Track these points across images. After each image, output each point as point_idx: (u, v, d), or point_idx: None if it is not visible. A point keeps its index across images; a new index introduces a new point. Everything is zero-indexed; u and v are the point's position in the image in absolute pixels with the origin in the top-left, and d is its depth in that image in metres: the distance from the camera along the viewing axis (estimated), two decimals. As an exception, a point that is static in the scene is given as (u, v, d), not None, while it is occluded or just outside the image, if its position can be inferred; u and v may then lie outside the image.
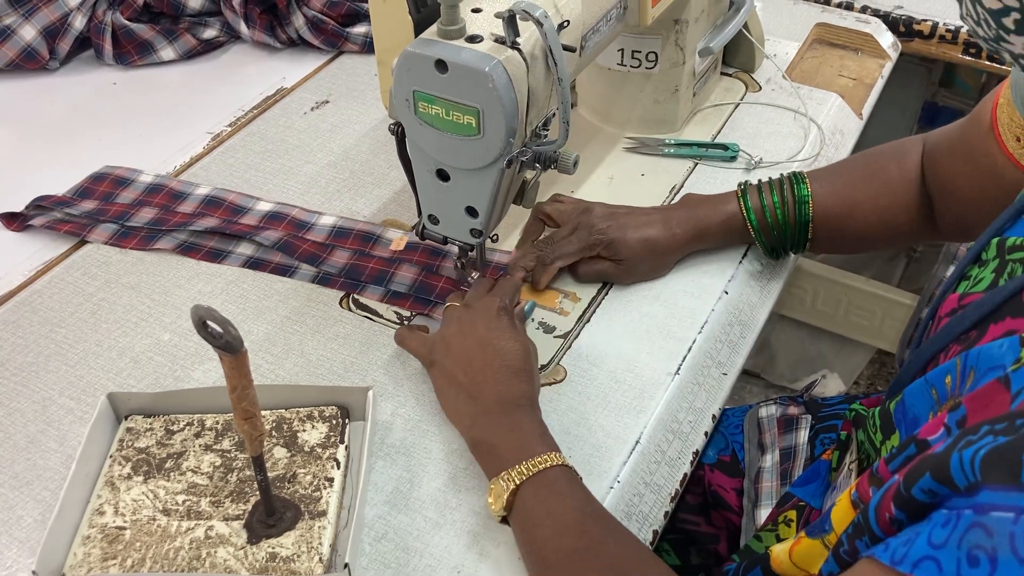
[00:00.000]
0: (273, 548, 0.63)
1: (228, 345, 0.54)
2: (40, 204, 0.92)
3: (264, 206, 0.92)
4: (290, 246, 0.86)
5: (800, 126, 1.03)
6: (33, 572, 0.59)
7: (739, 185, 0.84)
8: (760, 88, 1.09)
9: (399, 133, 0.75)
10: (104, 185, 0.95)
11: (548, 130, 0.74)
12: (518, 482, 0.62)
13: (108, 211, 0.91)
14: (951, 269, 0.66)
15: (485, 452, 0.67)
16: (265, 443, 0.69)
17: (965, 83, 1.42)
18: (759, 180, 0.84)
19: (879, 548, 0.43)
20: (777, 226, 0.83)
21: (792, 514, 0.74)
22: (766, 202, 0.82)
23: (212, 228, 0.88)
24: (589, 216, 0.83)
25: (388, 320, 0.82)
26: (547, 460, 0.63)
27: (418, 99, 0.69)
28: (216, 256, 0.87)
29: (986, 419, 0.43)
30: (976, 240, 0.61)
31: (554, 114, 0.74)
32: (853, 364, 1.80)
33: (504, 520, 0.63)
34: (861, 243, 0.86)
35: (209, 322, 0.53)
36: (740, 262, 0.87)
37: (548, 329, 0.81)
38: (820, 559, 0.55)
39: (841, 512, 0.52)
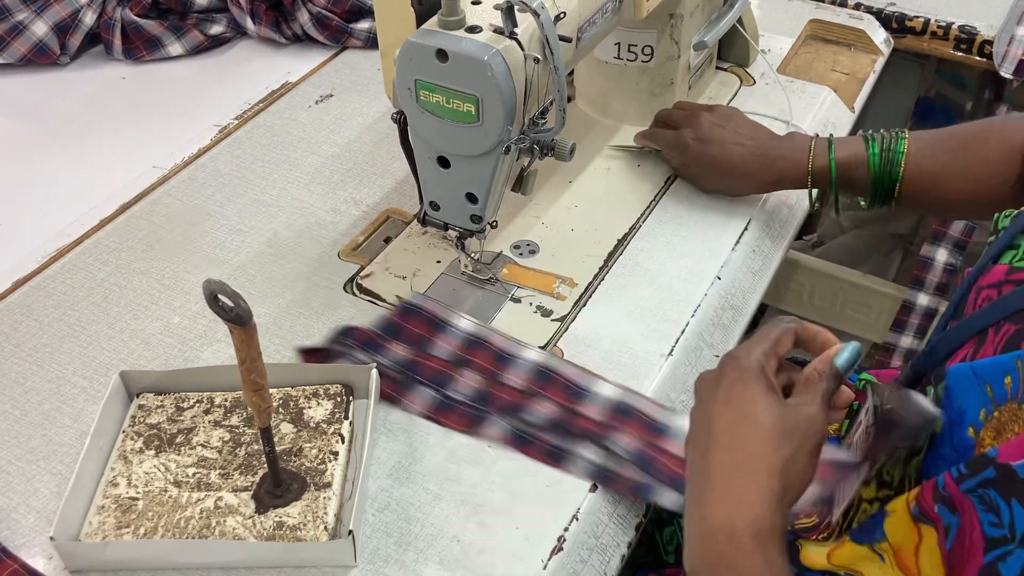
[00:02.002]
0: (280, 517, 0.66)
1: (238, 318, 0.56)
2: (345, 339, 0.78)
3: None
4: (646, 459, 0.69)
5: (791, 118, 1.05)
6: (51, 538, 0.62)
7: (823, 138, 0.88)
8: (754, 82, 1.12)
9: (401, 122, 0.77)
10: (415, 325, 0.79)
11: (545, 119, 0.77)
12: None
13: (423, 367, 0.76)
14: (992, 238, 0.66)
15: None
16: (272, 420, 0.72)
17: (964, 78, 1.44)
18: (867, 132, 0.88)
19: None
20: (863, 179, 0.86)
21: None
22: (860, 154, 0.86)
23: (551, 419, 0.72)
24: (699, 114, 0.93)
25: (391, 304, 0.84)
26: None
27: (420, 88, 0.71)
28: (556, 458, 0.71)
29: None
30: (1023, 211, 0.61)
31: (551, 103, 0.76)
32: (850, 358, 1.82)
33: None
34: (947, 209, 0.90)
35: (220, 296, 0.55)
36: (733, 248, 0.89)
37: (545, 313, 0.84)
38: (869, 562, 0.54)
39: (899, 525, 0.51)
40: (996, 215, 0.66)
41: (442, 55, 0.69)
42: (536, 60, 0.71)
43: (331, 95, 1.10)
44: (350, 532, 0.63)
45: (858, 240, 1.81)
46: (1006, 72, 1.15)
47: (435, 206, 0.81)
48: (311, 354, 0.78)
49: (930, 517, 0.50)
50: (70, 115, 1.10)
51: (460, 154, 0.75)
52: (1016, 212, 0.62)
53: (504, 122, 0.71)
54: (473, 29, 0.69)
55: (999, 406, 0.51)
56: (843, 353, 0.58)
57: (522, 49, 0.70)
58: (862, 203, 0.89)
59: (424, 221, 0.83)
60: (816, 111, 1.07)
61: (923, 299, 1.47)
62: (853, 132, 1.12)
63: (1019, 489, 0.43)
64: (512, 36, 0.69)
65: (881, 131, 0.87)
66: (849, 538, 0.55)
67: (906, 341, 1.37)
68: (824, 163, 0.87)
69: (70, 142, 1.06)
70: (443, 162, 0.76)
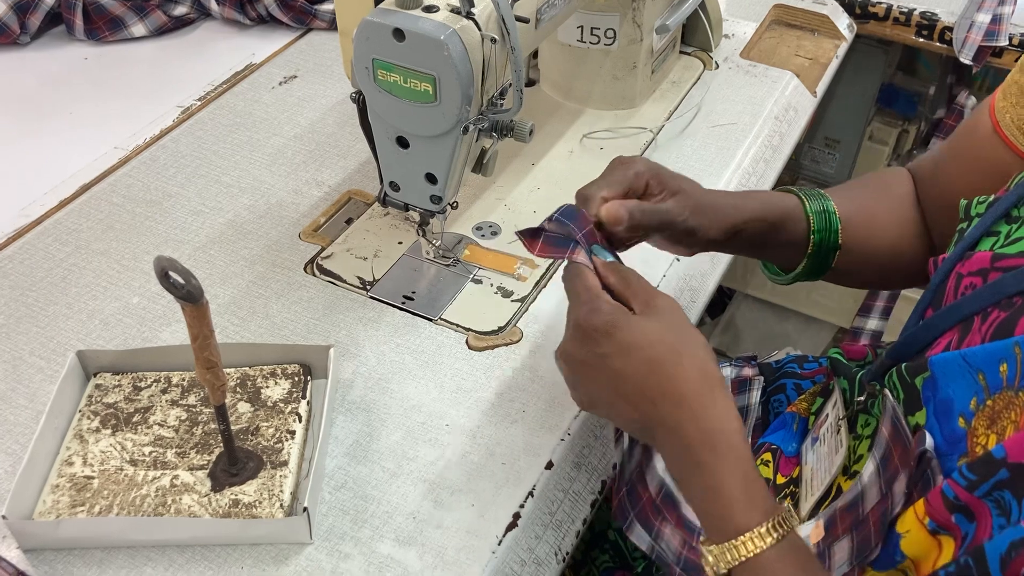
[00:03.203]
0: (236, 495, 0.66)
1: (189, 295, 0.56)
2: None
3: None
4: None
5: (753, 104, 1.06)
6: (3, 516, 0.62)
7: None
8: (717, 67, 1.12)
9: (360, 101, 0.77)
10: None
11: (504, 99, 0.77)
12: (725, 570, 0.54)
13: None
14: (964, 225, 0.62)
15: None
16: (229, 399, 0.72)
17: (928, 63, 1.46)
18: (794, 189, 0.77)
19: None
20: (818, 234, 0.75)
21: (768, 456, 0.77)
22: (811, 209, 0.75)
23: None
24: (625, 160, 0.70)
25: (351, 285, 0.85)
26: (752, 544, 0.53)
27: (377, 67, 0.71)
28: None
29: None
30: (999, 197, 0.59)
31: (510, 84, 0.77)
32: (816, 342, 1.84)
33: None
34: (889, 255, 0.78)
35: (171, 272, 0.55)
36: (692, 231, 0.90)
37: (506, 294, 0.84)
38: None
39: (915, 542, 0.50)
40: (966, 201, 0.64)
41: (399, 34, 0.69)
42: (493, 40, 0.71)
43: (295, 76, 1.10)
44: (305, 509, 0.63)
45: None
46: (965, 58, 1.16)
47: (395, 187, 0.81)
48: (530, 237, 0.67)
49: (948, 528, 0.48)
50: (30, 95, 1.09)
51: (419, 134, 0.75)
52: (991, 198, 0.61)
53: (462, 102, 0.71)
54: (430, 9, 0.69)
55: (992, 394, 0.49)
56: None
57: (479, 29, 0.70)
58: (775, 272, 0.81)
59: (384, 202, 0.83)
60: (779, 95, 1.08)
61: (872, 323, 1.48)
62: (815, 117, 1.13)
63: None
64: (469, 16, 0.69)
65: (803, 189, 0.77)
66: (871, 567, 0.54)
67: (872, 323, 1.39)
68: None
69: (30, 122, 1.05)
70: (402, 142, 0.77)
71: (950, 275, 0.60)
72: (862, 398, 0.67)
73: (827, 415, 0.71)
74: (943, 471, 0.52)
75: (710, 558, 0.54)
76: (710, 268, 0.90)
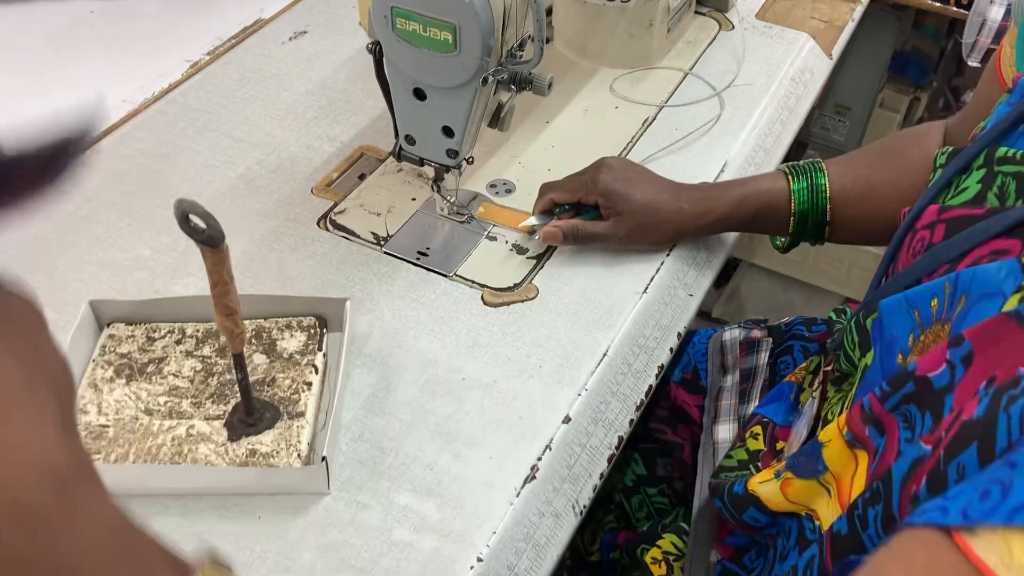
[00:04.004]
0: (253, 445, 0.66)
1: (210, 239, 0.55)
2: None
3: None
4: None
5: (769, 65, 1.05)
6: (19, 463, 0.61)
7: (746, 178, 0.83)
8: (732, 27, 1.11)
9: (377, 52, 0.76)
10: None
11: (523, 51, 0.76)
12: None
13: None
14: (936, 175, 0.63)
15: None
16: (244, 350, 0.71)
17: (933, 28, 1.44)
18: (786, 167, 0.81)
19: (935, 512, 0.36)
20: (800, 214, 0.80)
21: (757, 429, 0.77)
22: (794, 188, 0.79)
23: None
24: (600, 165, 0.81)
25: (365, 241, 0.84)
26: None
27: (396, 15, 0.70)
28: None
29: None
30: (959, 148, 0.60)
31: (530, 37, 0.75)
32: (822, 312, 1.84)
33: None
34: (885, 228, 0.79)
35: (192, 216, 0.55)
36: (708, 190, 0.89)
37: (521, 251, 0.84)
38: (819, 496, 0.53)
39: (835, 453, 0.51)
40: (936, 151, 0.65)
41: (419, -19, 0.67)
42: (515, -11, 0.70)
43: (305, 32, 1.08)
44: (323, 458, 0.63)
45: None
46: (973, 61, 1.14)
47: (411, 140, 0.80)
48: None
49: (862, 441, 0.49)
50: (36, 51, 1.07)
51: (436, 85, 0.74)
52: (952, 149, 0.61)
53: (481, 52, 0.70)
54: (451, -45, 0.68)
55: (925, 329, 0.51)
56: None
57: (501, -23, 0.69)
58: (779, 243, 0.85)
59: (399, 156, 0.82)
60: (794, 57, 1.07)
61: None
62: (827, 83, 1.12)
63: (933, 400, 0.43)
64: (491, -37, 0.68)
65: (796, 164, 0.81)
66: (793, 473, 0.55)
67: None
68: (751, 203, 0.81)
69: (36, 76, 1.03)
70: (419, 94, 0.76)
71: (908, 231, 0.60)
72: (829, 368, 0.68)
73: (807, 391, 0.71)
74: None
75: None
76: (717, 242, 0.89)
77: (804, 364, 0.80)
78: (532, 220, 0.83)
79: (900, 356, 0.53)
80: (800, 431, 0.69)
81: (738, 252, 1.81)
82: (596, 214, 0.81)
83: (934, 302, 0.50)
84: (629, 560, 0.86)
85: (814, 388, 0.70)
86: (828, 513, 0.54)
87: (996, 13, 1.14)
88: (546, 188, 0.83)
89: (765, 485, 0.59)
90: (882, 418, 0.48)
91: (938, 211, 0.57)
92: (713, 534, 0.72)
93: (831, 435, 0.52)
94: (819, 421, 0.66)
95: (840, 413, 0.61)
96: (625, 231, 0.80)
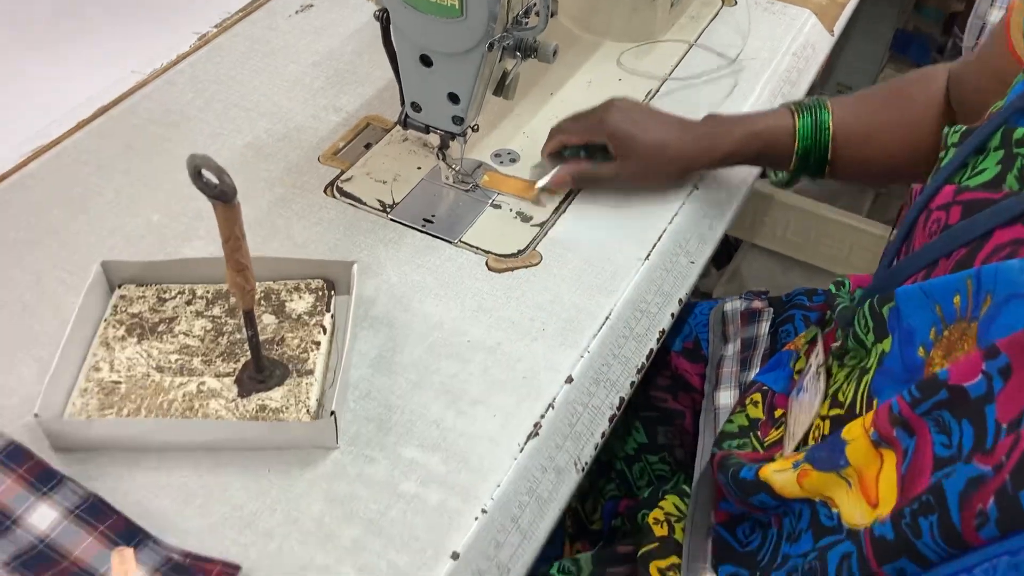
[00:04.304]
0: (263, 401, 0.67)
1: (223, 194, 0.57)
2: None
3: None
4: None
5: (772, 40, 1.06)
6: (35, 415, 0.63)
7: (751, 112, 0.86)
8: (736, 3, 1.12)
9: (384, 19, 0.77)
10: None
11: (529, 19, 0.77)
12: None
13: None
14: (943, 154, 0.63)
15: None
16: (255, 310, 0.72)
17: (936, 9, 1.45)
18: (791, 104, 0.84)
19: None
20: (803, 151, 0.82)
21: (757, 396, 0.78)
22: (786, 125, 0.82)
23: None
24: (608, 105, 0.85)
25: (371, 208, 0.85)
26: None
27: (403, -19, 0.71)
28: None
29: None
30: (973, 127, 0.60)
31: (535, 4, 0.76)
32: (821, 292, 1.85)
33: None
34: (884, 169, 0.83)
35: (204, 171, 0.56)
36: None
37: (525, 218, 0.85)
38: (838, 487, 0.54)
39: (859, 450, 0.52)
40: (946, 130, 0.65)
41: (427, -54, 0.68)
42: (521, -45, 0.71)
43: (311, 5, 1.09)
44: (332, 412, 0.64)
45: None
46: None
47: (416, 107, 0.81)
48: None
49: (889, 441, 0.51)
50: (45, 19, 1.08)
51: (443, 51, 0.75)
52: (965, 128, 0.61)
53: (488, 18, 0.71)
54: (458, -79, 0.69)
55: (948, 325, 0.51)
56: None
57: (507, -57, 0.70)
58: (777, 176, 0.88)
59: (405, 124, 0.83)
60: (796, 33, 1.08)
61: None
62: (829, 62, 1.13)
63: (971, 410, 0.44)
64: (497, -71, 0.69)
65: (801, 102, 0.83)
66: (812, 466, 0.56)
67: None
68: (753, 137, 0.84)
69: (46, 46, 1.04)
70: (425, 60, 0.77)
71: (923, 211, 0.60)
72: (837, 343, 0.68)
73: (811, 364, 0.72)
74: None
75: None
76: (728, 197, 0.91)
77: (804, 333, 0.81)
78: (541, 182, 0.86)
79: (921, 350, 0.53)
80: (804, 407, 0.69)
81: (739, 232, 1.82)
82: (605, 155, 0.84)
83: (956, 299, 0.50)
84: (631, 526, 0.87)
85: (819, 362, 0.70)
86: (849, 503, 0.55)
87: (995, 16, 1.15)
88: (555, 131, 0.87)
89: (781, 475, 0.60)
90: (912, 422, 0.49)
91: (954, 192, 0.57)
92: (713, 498, 0.73)
93: (856, 434, 0.53)
94: (827, 399, 0.66)
95: (852, 398, 0.61)
96: (632, 171, 0.84)
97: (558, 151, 0.87)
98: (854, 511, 0.53)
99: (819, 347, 0.71)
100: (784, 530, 0.62)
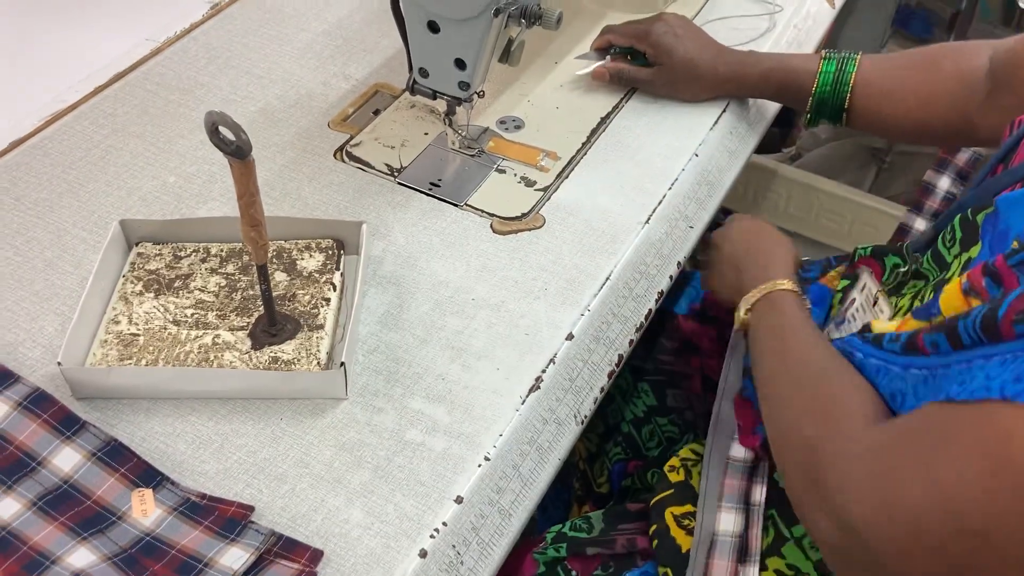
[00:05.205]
0: (275, 353, 0.70)
1: (239, 150, 0.59)
2: None
3: None
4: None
5: (766, 9, 1.08)
6: (58, 363, 0.66)
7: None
8: (739, -25, 1.13)
9: (393, -14, 0.79)
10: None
11: (534, -14, 0.79)
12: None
13: None
14: None
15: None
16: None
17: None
18: (827, 51, 0.90)
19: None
20: (820, 96, 0.88)
21: None
22: (811, 68, 0.88)
23: None
24: (657, 17, 0.94)
25: (380, 172, 0.87)
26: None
27: (412, -52, 0.73)
28: None
29: None
30: None
31: (540, -27, 0.78)
32: (822, 268, 1.87)
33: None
34: (898, 129, 0.89)
35: (221, 127, 0.58)
36: (711, 128, 0.93)
37: (529, 183, 0.87)
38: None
39: (951, 297, 0.56)
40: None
41: (435, -86, 0.70)
42: (526, -77, 0.73)
43: (321, -25, 1.11)
44: (342, 363, 0.67)
45: (835, 152, 1.84)
46: None
47: (424, 73, 0.83)
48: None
49: (978, 290, 0.54)
50: (60, -11, 1.10)
51: (450, 17, 0.77)
52: None
53: (494, -16, 0.73)
54: None
55: None
56: None
57: (513, -89, 0.72)
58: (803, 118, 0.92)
59: (413, 89, 0.85)
60: (798, 5, 1.09)
61: (920, 223, 1.45)
62: (830, 37, 1.15)
63: None
64: (503, -102, 0.71)
65: (836, 51, 0.89)
66: (912, 316, 0.60)
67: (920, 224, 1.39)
68: (776, 73, 0.91)
69: (62, 15, 1.07)
70: (433, 27, 0.79)
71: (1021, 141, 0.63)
72: (905, 270, 0.70)
73: (854, 299, 0.73)
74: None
75: (743, 306, 0.73)
76: (727, 164, 0.93)
77: (833, 272, 0.81)
78: (582, 71, 0.96)
79: (1016, 243, 0.56)
80: (863, 309, 0.72)
81: (741, 206, 1.84)
82: (644, 62, 0.94)
83: None
84: (641, 484, 0.90)
85: (875, 289, 0.72)
86: None
87: None
88: (606, 30, 0.97)
89: (883, 325, 0.63)
90: (1002, 271, 0.52)
91: None
92: (733, 428, 0.74)
93: (951, 285, 0.56)
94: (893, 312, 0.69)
95: (911, 305, 0.65)
96: (663, 81, 0.94)
97: (604, 48, 0.97)
98: None
99: (866, 280, 0.72)
100: None
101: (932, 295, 0.61)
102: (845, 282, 0.76)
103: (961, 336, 0.50)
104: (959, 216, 0.63)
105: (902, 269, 0.69)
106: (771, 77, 0.91)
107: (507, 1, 0.75)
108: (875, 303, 0.70)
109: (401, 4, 0.80)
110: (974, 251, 0.61)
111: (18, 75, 0.98)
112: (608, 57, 0.96)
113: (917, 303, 0.66)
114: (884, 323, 0.62)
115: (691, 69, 0.92)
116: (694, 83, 0.93)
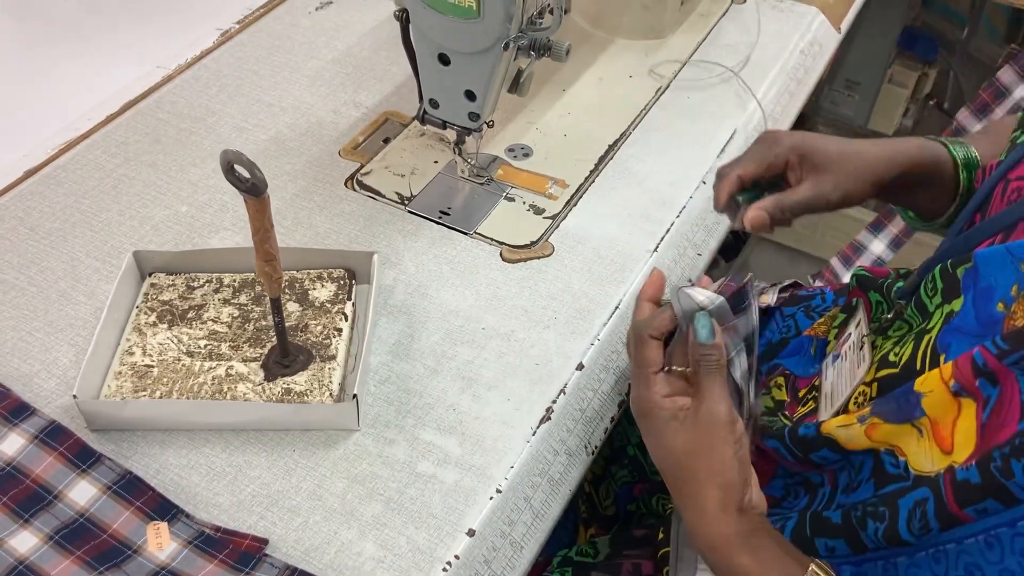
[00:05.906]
0: (288, 385, 0.70)
1: (254, 188, 0.60)
2: None
3: None
4: None
5: (779, 37, 1.09)
6: (73, 396, 0.66)
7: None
8: (744, 1, 1.14)
9: (403, 19, 0.80)
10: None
11: (543, 19, 0.80)
12: None
13: None
14: (1017, 133, 0.65)
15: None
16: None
17: (943, 5, 1.47)
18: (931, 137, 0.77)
19: None
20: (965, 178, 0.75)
21: (780, 380, 0.80)
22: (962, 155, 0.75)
23: None
24: (767, 133, 0.75)
25: (390, 200, 0.88)
26: None
27: (423, -17, 0.74)
28: None
29: None
30: None
31: (548, 5, 0.79)
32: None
33: None
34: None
35: (236, 166, 0.59)
36: (719, 156, 0.93)
37: (538, 211, 0.88)
38: (908, 436, 0.56)
39: (936, 401, 0.54)
40: (1019, 113, 0.68)
41: (446, -50, 0.71)
42: (536, -42, 0.73)
43: (330, 2, 1.12)
44: (354, 396, 0.67)
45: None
46: None
47: (434, 104, 0.84)
48: None
49: (971, 391, 0.52)
50: (72, 17, 1.12)
51: (460, 51, 0.78)
52: None
53: (504, 18, 0.74)
54: (476, -75, 0.72)
55: None
56: (700, 331, 0.61)
57: (523, -53, 0.73)
58: (910, 215, 0.81)
59: (423, 119, 0.86)
60: (804, 30, 1.10)
61: (877, 245, 1.43)
62: (837, 58, 1.15)
63: None
64: (514, -66, 0.72)
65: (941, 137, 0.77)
66: (881, 420, 0.57)
67: (878, 247, 1.39)
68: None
69: (71, 43, 1.08)
70: (443, 59, 0.80)
71: (1000, 181, 0.62)
72: (889, 316, 0.70)
73: (850, 334, 0.73)
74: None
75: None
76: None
77: (823, 319, 0.82)
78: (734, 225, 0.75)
79: (1000, 305, 0.55)
80: (845, 374, 0.69)
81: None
82: (757, 194, 0.73)
83: None
84: (647, 509, 0.90)
85: (862, 333, 0.70)
86: (918, 451, 0.56)
87: None
88: (725, 169, 0.74)
89: (846, 429, 0.61)
90: (997, 372, 0.50)
91: None
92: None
93: (932, 385, 0.55)
94: (873, 365, 0.67)
95: (908, 354, 0.62)
96: (832, 184, 0.72)
97: (733, 196, 0.74)
98: (924, 458, 0.55)
99: (860, 320, 0.72)
100: (840, 484, 0.64)
101: (879, 392, 0.60)
102: (843, 316, 0.77)
103: (1015, 493, 0.47)
104: (939, 267, 0.62)
105: (887, 315, 0.69)
106: (925, 148, 0.75)
107: (517, 35, 0.76)
108: (862, 347, 0.70)
109: (412, 37, 0.81)
110: (956, 304, 0.59)
111: (30, 104, 0.99)
112: (742, 207, 0.73)
113: (860, 399, 0.65)
114: (848, 432, 0.60)
115: (857, 156, 0.73)
116: (862, 173, 0.72)
